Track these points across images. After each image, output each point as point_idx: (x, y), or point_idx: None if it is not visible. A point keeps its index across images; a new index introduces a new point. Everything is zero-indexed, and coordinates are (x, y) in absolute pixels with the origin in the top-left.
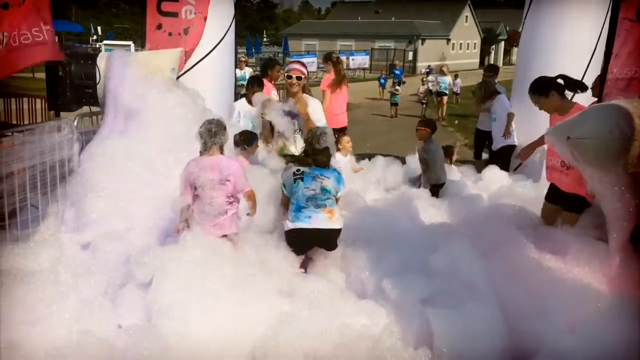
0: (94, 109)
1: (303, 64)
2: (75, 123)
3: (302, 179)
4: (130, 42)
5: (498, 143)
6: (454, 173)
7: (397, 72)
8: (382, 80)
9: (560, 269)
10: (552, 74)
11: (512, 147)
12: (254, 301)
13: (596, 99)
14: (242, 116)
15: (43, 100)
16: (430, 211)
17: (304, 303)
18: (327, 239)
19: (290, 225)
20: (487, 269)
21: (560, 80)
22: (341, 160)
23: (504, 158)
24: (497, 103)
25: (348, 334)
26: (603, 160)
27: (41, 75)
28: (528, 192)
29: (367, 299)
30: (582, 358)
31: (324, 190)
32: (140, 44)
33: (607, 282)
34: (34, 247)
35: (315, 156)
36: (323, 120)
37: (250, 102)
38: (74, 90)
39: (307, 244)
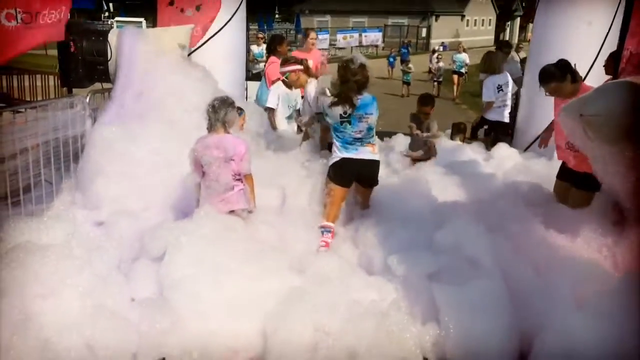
0: (106, 85)
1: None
2: (88, 99)
3: (349, 122)
4: (142, 19)
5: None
6: (465, 151)
7: (405, 50)
8: (391, 59)
9: (569, 247)
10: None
11: (500, 124)
12: (265, 276)
13: (610, 77)
14: (281, 100)
15: (56, 77)
16: (441, 188)
17: (314, 278)
18: (372, 170)
19: (338, 154)
20: (494, 245)
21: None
22: None
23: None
24: (486, 81)
25: (357, 310)
26: (615, 137)
27: (54, 52)
28: (542, 170)
29: (376, 275)
30: (590, 335)
31: (369, 129)
32: (152, 21)
33: (617, 260)
34: (48, 221)
35: (356, 77)
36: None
37: (286, 84)
38: (85, 67)
39: (353, 174)
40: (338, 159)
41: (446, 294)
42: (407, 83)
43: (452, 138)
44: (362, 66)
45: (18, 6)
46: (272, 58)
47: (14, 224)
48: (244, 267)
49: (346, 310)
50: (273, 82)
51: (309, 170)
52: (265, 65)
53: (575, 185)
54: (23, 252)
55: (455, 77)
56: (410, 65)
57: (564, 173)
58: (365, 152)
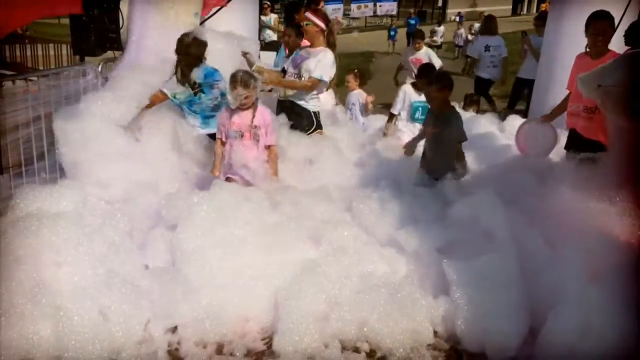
0: (118, 53)
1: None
2: (100, 68)
3: (202, 92)
4: None
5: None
6: (477, 123)
7: (412, 21)
8: (392, 32)
9: (583, 219)
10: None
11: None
12: (279, 248)
13: (629, 47)
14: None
15: (69, 46)
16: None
17: (328, 250)
18: None
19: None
20: (508, 218)
21: None
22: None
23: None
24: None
25: (369, 282)
26: (632, 109)
27: (67, 21)
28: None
29: (390, 248)
30: (602, 310)
31: (222, 94)
32: None
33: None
34: (60, 189)
35: (189, 50)
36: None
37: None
38: (98, 35)
39: None
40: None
41: (457, 268)
42: None
43: (464, 109)
44: (195, 39)
45: None
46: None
47: (26, 192)
48: (258, 238)
49: (359, 282)
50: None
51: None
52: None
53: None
54: (36, 220)
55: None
56: (436, 37)
57: (572, 144)
58: None
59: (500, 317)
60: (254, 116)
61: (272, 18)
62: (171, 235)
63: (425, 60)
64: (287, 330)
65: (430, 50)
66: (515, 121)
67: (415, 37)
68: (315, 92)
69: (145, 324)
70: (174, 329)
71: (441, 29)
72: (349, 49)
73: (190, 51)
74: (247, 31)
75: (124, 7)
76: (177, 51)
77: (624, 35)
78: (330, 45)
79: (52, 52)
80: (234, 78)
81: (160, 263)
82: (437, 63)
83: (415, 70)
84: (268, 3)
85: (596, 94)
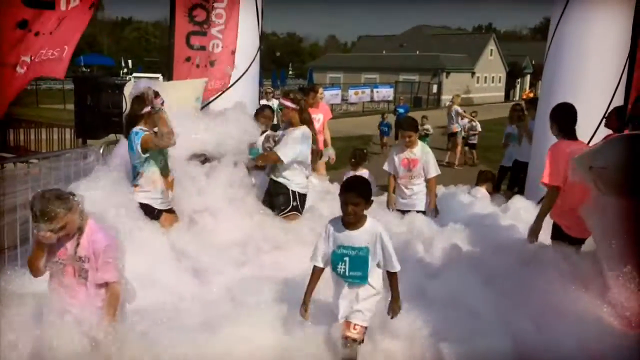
0: (120, 136)
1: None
2: (102, 150)
3: None
4: (159, 75)
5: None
6: (484, 203)
7: (401, 109)
8: (385, 128)
9: (577, 302)
10: (575, 103)
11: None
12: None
13: (611, 132)
14: None
15: (72, 130)
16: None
17: (315, 340)
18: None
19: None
20: (496, 299)
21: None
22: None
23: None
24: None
25: None
26: (623, 189)
27: (72, 106)
28: None
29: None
30: None
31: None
32: (168, 77)
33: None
34: None
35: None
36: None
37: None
38: (101, 118)
39: None
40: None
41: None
42: None
43: (477, 185)
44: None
45: (32, 53)
46: None
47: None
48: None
49: None
50: None
51: None
52: None
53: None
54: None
55: (453, 138)
56: (427, 126)
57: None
58: None
59: None
60: (78, 244)
61: (275, 103)
62: None
63: (421, 163)
64: None
65: (426, 147)
66: (519, 202)
67: (404, 128)
68: (299, 171)
69: None
70: None
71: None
72: (347, 133)
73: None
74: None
75: (127, 92)
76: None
77: (605, 118)
78: (304, 121)
79: (55, 136)
80: (31, 209)
81: None
82: (433, 168)
83: (401, 172)
84: (271, 89)
85: (589, 175)
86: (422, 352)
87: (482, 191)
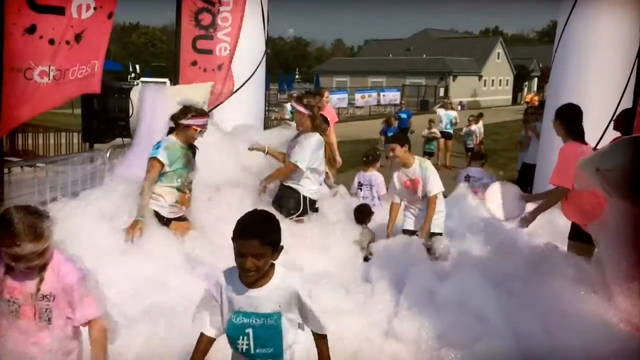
0: (127, 140)
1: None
2: (108, 154)
3: None
4: (166, 80)
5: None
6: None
7: (404, 115)
8: (388, 132)
9: (583, 306)
10: (582, 106)
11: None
12: None
13: (619, 134)
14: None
15: (80, 135)
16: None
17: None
18: None
19: None
20: (503, 303)
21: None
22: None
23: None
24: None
25: None
26: (630, 192)
27: (79, 111)
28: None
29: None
30: None
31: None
32: (175, 81)
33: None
34: None
35: None
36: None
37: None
38: (107, 122)
39: None
40: None
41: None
42: (430, 154)
43: (470, 165)
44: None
45: (52, 64)
46: None
47: None
48: None
49: None
50: None
51: None
52: None
53: (569, 236)
54: None
55: (442, 139)
56: (434, 130)
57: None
58: None
59: None
60: (42, 279)
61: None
62: None
63: (421, 183)
64: None
65: (425, 162)
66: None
67: (388, 142)
68: (311, 179)
69: None
70: None
71: (453, 113)
72: (354, 137)
73: None
74: (252, 118)
75: (133, 96)
76: None
77: (613, 121)
78: (315, 127)
79: (63, 141)
80: (5, 225)
81: None
82: (434, 184)
83: (407, 195)
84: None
85: (595, 178)
86: (429, 356)
87: (472, 170)
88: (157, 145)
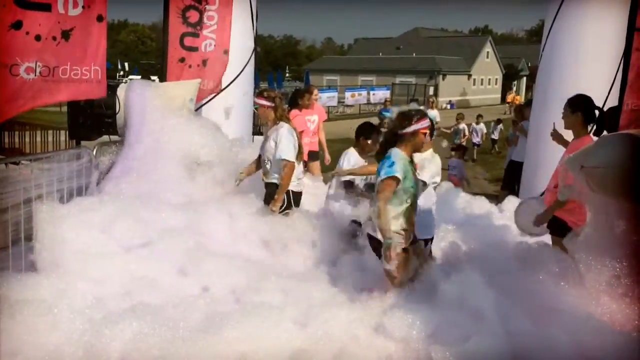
0: (113, 137)
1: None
2: (94, 151)
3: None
4: (155, 77)
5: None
6: (477, 204)
7: (387, 113)
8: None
9: (573, 301)
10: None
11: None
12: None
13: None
14: None
15: (67, 132)
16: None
17: (317, 336)
18: None
19: None
20: (495, 299)
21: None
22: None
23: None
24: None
25: None
26: (615, 189)
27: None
28: None
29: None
30: None
31: None
32: (162, 78)
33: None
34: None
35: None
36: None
37: None
38: (94, 119)
39: None
40: None
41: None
42: None
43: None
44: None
45: (39, 60)
46: (294, 111)
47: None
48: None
49: None
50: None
51: None
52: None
53: (550, 230)
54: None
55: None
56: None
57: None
58: None
59: None
60: None
61: (435, 114)
62: None
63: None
64: None
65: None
66: (510, 203)
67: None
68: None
69: None
70: None
71: (434, 112)
72: (344, 135)
73: None
74: (241, 117)
75: (120, 92)
76: None
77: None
78: (280, 117)
79: (50, 138)
80: None
81: None
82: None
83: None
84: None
85: (580, 175)
86: (417, 353)
87: (453, 161)
88: (388, 158)
